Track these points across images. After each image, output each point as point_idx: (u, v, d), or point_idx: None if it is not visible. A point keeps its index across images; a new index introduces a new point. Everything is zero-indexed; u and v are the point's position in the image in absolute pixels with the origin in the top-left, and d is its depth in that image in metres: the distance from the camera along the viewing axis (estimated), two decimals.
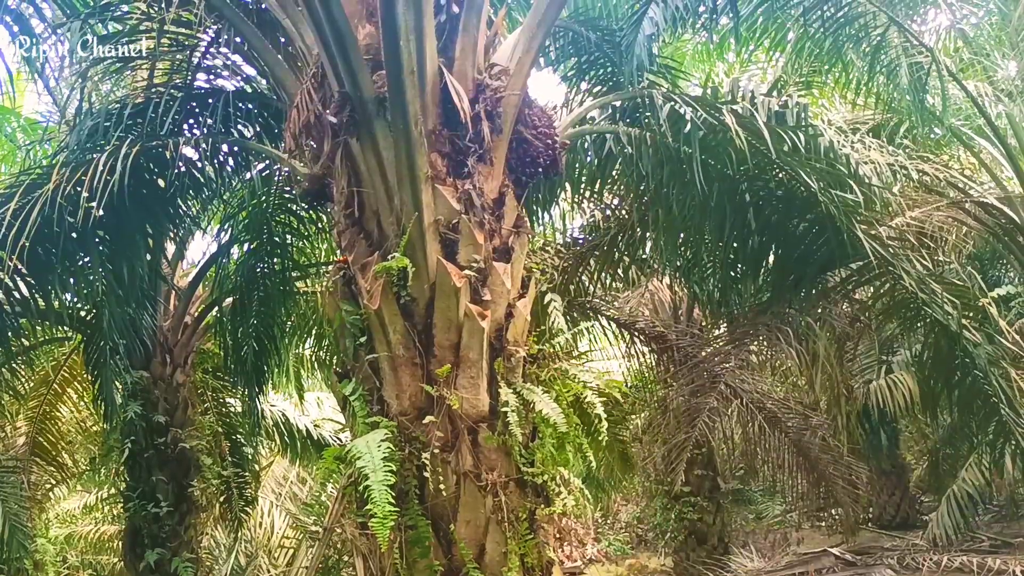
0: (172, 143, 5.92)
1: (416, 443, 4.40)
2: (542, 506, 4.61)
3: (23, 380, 10.66)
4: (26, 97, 11.61)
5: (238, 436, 11.63)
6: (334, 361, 9.37)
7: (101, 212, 6.42)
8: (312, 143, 4.82)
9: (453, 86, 4.59)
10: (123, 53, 6.91)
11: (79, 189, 5.78)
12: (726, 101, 6.59)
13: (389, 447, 4.05)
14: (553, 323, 4.85)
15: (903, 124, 9.32)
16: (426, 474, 4.27)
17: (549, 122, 5.12)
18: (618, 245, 8.27)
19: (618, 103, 6.87)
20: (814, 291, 7.56)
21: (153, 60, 7.27)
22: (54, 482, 13.00)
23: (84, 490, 15.74)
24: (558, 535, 4.81)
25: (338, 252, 5.12)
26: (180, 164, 6.27)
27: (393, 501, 3.82)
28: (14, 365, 10.25)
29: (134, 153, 5.74)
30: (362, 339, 4.61)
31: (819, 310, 7.33)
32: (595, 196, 8.50)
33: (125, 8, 6.85)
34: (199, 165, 6.48)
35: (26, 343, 9.45)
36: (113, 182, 5.61)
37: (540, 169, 5.08)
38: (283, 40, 5.69)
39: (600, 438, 4.68)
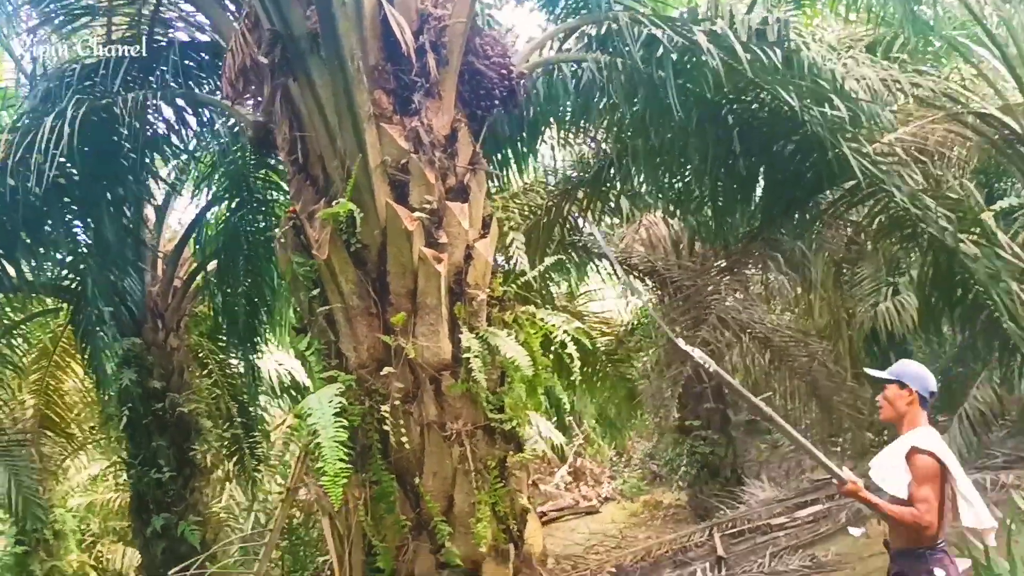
0: (122, 100, 5.69)
1: (376, 396, 4.23)
2: (512, 453, 4.43)
3: (20, 354, 10.61)
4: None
5: (244, 397, 11.59)
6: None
7: (62, 179, 6.30)
8: (253, 88, 4.57)
9: (393, 17, 4.32)
10: (74, 9, 6.69)
11: (30, 155, 5.59)
12: (704, 19, 6.27)
13: (341, 402, 3.88)
14: (515, 263, 4.62)
15: (898, 39, 8.91)
16: (386, 427, 4.09)
17: (503, 51, 4.86)
18: (604, 180, 7.99)
19: (593, 31, 6.56)
20: (807, 215, 7.29)
21: (109, 16, 7.03)
22: (65, 453, 13.02)
23: (103, 458, 15.79)
24: (532, 482, 4.63)
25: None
26: (136, 123, 6.05)
27: (345, 458, 3.65)
28: (11, 339, 10.24)
29: (81, 114, 5.53)
30: (315, 291, 4.42)
31: (812, 234, 7.03)
32: (580, 130, 8.23)
33: None
34: (154, 123, 6.22)
35: (14, 317, 9.38)
36: (62, 146, 5.40)
37: (496, 101, 4.82)
38: None
39: (574, 379, 4.47)
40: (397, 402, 4.19)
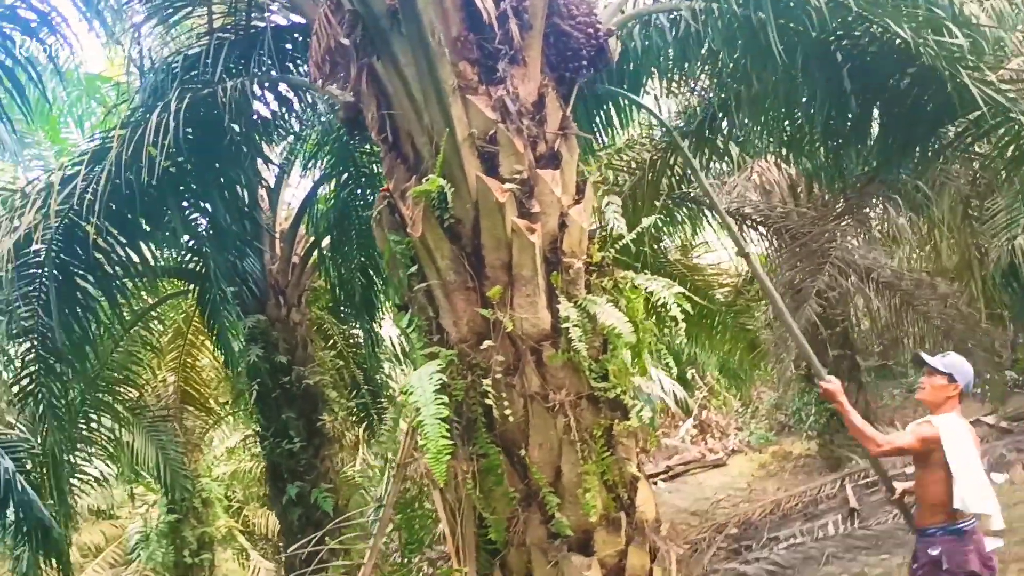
0: (222, 88, 5.82)
1: (478, 369, 4.23)
2: (618, 421, 4.36)
3: (157, 335, 11.18)
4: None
5: (368, 365, 11.89)
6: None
7: (173, 168, 6.52)
8: (340, 69, 4.58)
9: None
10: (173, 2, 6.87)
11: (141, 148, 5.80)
12: None
13: (442, 378, 3.89)
14: (612, 228, 4.51)
15: None
16: (487, 401, 4.09)
17: (589, 9, 4.71)
18: (710, 128, 7.73)
19: None
20: (929, 152, 6.88)
21: (208, 4, 7.18)
22: (206, 427, 13.70)
23: (243, 429, 16.55)
24: (641, 449, 4.56)
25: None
26: (238, 109, 6.16)
27: (447, 435, 3.67)
28: (148, 322, 10.80)
29: (185, 105, 5.71)
30: (413, 268, 4.44)
31: (936, 171, 6.63)
32: (682, 80, 7.97)
33: None
34: (256, 107, 6.34)
35: (148, 300, 9.87)
36: (169, 138, 5.59)
37: (584, 62, 4.69)
38: None
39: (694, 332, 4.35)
40: (499, 375, 4.18)
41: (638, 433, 4.52)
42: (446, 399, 3.80)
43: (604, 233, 4.59)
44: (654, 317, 4.66)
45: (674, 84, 8.07)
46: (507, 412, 4.15)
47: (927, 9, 5.64)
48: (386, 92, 4.42)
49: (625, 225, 4.53)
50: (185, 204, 7.06)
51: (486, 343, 4.18)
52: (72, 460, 9.64)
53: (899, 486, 4.98)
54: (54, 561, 7.83)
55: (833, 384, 4.73)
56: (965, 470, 4.30)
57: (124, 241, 6.75)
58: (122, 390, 10.54)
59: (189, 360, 12.28)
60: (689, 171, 9.17)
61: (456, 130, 4.21)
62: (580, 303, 4.26)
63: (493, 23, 4.27)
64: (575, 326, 4.14)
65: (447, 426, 3.70)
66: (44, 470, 8.08)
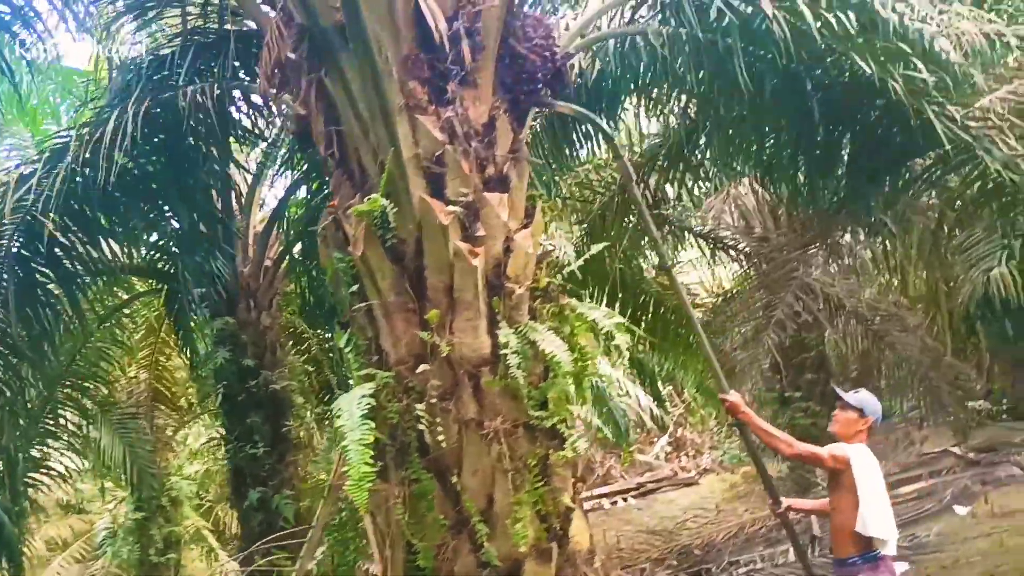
0: (181, 93, 5.77)
1: (414, 393, 4.18)
2: (554, 451, 4.31)
3: (128, 333, 11.11)
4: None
5: (343, 371, 11.80)
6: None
7: (135, 170, 6.48)
8: (290, 82, 4.54)
9: (425, 3, 4.20)
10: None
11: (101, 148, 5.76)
12: None
13: (371, 402, 3.84)
14: (560, 253, 4.47)
15: None
16: (420, 426, 4.04)
17: (547, 32, 4.66)
18: (682, 150, 7.70)
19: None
20: (900, 183, 6.85)
21: (183, 6, 7.13)
22: (176, 425, 13.61)
23: (213, 429, 16.44)
24: (577, 479, 4.50)
25: None
26: (201, 114, 6.12)
27: (371, 462, 3.62)
28: (120, 319, 10.73)
29: (145, 108, 5.66)
30: (354, 287, 4.39)
31: (903, 203, 6.60)
32: (658, 101, 7.94)
33: None
34: (217, 111, 6.27)
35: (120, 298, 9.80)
36: (127, 140, 5.55)
37: (539, 85, 4.65)
38: None
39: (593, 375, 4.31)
40: (434, 400, 4.13)
41: (577, 463, 4.47)
42: (373, 424, 3.74)
43: (550, 259, 4.54)
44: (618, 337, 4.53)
45: (651, 104, 8.07)
46: (440, 438, 4.09)
47: (895, 44, 5.62)
48: (334, 107, 4.37)
49: (586, 247, 4.50)
50: (148, 205, 7.01)
51: (423, 367, 4.12)
52: (38, 454, 9.61)
53: (785, 501, 5.28)
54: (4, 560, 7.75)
55: (734, 397, 4.99)
56: (872, 495, 4.53)
57: (85, 239, 6.69)
58: (91, 386, 10.47)
59: (161, 358, 12.21)
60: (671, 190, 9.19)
61: (402, 149, 4.15)
62: (521, 329, 4.21)
63: (445, 43, 4.23)
64: (514, 353, 4.09)
65: (371, 452, 3.64)
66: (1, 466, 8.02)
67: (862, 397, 4.85)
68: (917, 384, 8.24)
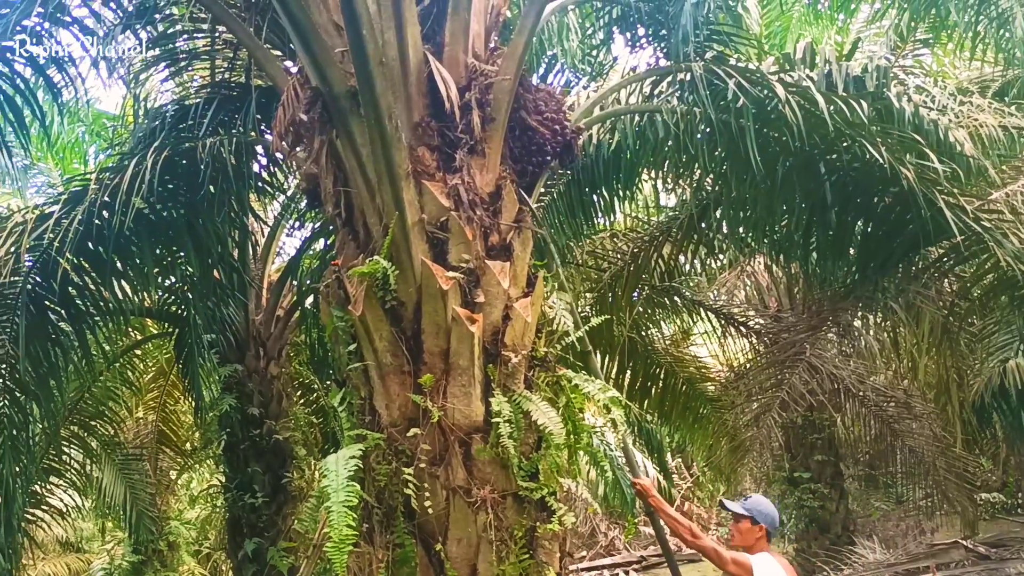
0: (201, 145, 5.89)
1: (404, 456, 4.16)
2: (541, 524, 4.26)
3: (138, 374, 11.16)
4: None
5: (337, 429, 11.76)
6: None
7: (151, 215, 6.58)
8: (304, 142, 4.62)
9: (439, 73, 4.29)
10: (173, 52, 7.00)
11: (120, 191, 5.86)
12: (782, 69, 6.01)
13: (358, 464, 3.83)
14: (559, 323, 4.47)
15: None
16: (407, 490, 4.02)
17: (558, 106, 4.74)
18: (693, 226, 7.73)
19: (686, 76, 6.35)
20: (912, 271, 6.83)
21: (212, 59, 7.31)
22: (180, 469, 13.58)
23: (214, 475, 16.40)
24: (563, 552, 4.44)
25: None
26: (219, 164, 6.22)
27: (353, 524, 3.60)
28: (132, 359, 10.81)
29: (164, 157, 5.77)
30: (352, 346, 4.40)
31: (911, 292, 6.57)
32: (676, 174, 8.00)
33: (174, 12, 6.88)
34: (236, 162, 6.37)
35: (131, 339, 9.89)
36: (143, 187, 5.64)
37: (548, 157, 4.71)
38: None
39: (587, 447, 4.29)
40: (423, 464, 4.11)
41: (565, 537, 4.42)
42: (358, 486, 3.73)
43: (550, 328, 4.54)
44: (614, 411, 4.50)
45: (667, 177, 8.13)
46: (427, 503, 4.07)
47: (908, 134, 5.66)
48: (343, 169, 4.44)
49: (592, 317, 4.50)
50: (163, 250, 7.10)
51: (413, 430, 4.12)
52: (39, 491, 9.61)
53: (645, 478, 5.15)
54: None
55: (645, 481, 4.96)
56: None
57: (98, 279, 6.77)
58: (97, 425, 10.51)
59: (169, 401, 12.23)
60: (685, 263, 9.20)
61: (407, 214, 4.20)
62: (514, 398, 4.21)
63: (456, 112, 4.30)
64: (506, 421, 4.08)
65: (354, 514, 3.62)
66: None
67: (751, 504, 4.77)
68: (924, 474, 8.12)
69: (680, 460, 15.76)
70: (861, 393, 7.98)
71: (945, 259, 6.52)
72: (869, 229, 6.41)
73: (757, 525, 4.66)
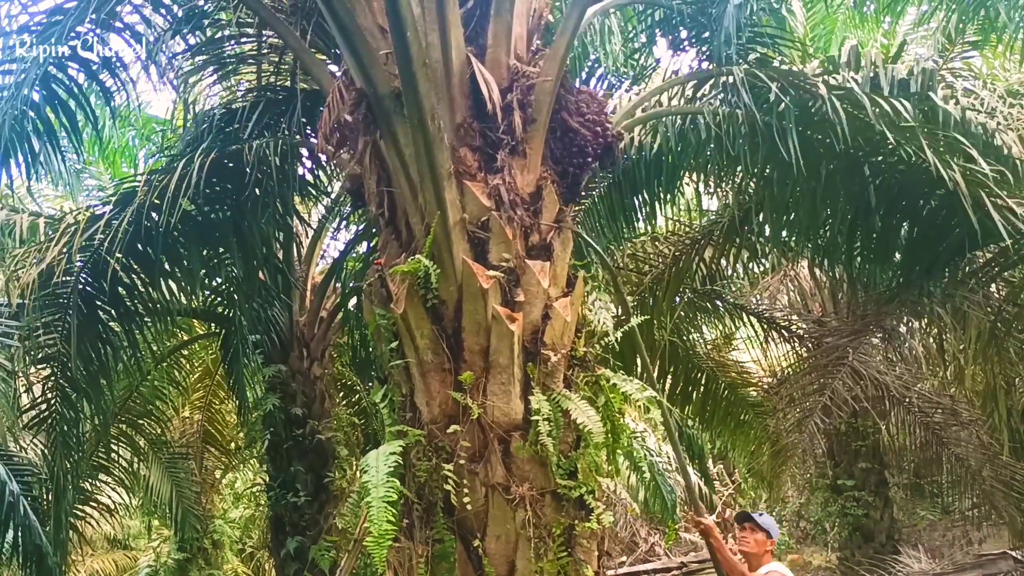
0: (247, 148, 5.99)
1: (444, 453, 4.21)
2: (579, 522, 4.28)
3: (185, 373, 11.36)
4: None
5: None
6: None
7: (199, 216, 6.71)
8: (348, 143, 4.69)
9: (481, 75, 4.34)
10: (220, 56, 7.13)
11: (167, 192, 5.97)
12: (827, 72, 5.97)
13: (398, 460, 3.88)
14: (599, 323, 4.49)
15: None
16: (446, 487, 4.06)
17: (600, 108, 4.76)
18: (734, 230, 7.68)
19: (728, 80, 6.34)
20: (959, 276, 6.73)
21: (258, 63, 7.43)
22: (225, 468, 13.78)
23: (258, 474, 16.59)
24: (601, 551, 4.45)
25: None
26: (264, 166, 6.32)
27: (393, 520, 3.65)
28: (179, 359, 11.01)
29: (211, 159, 5.88)
30: (394, 344, 4.46)
31: (957, 298, 6.48)
32: (718, 177, 7.97)
33: (222, 17, 7.01)
34: (281, 165, 6.47)
35: (178, 338, 10.08)
36: (191, 187, 5.76)
37: (589, 159, 4.73)
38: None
39: (626, 447, 4.29)
40: (463, 461, 4.15)
41: (603, 536, 4.43)
42: (398, 482, 3.78)
43: (589, 328, 4.56)
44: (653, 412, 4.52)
45: (709, 180, 8.10)
46: (466, 500, 4.11)
47: (954, 136, 5.59)
48: (387, 169, 4.51)
49: (630, 318, 4.52)
50: (209, 251, 7.23)
51: (453, 427, 4.16)
52: (87, 487, 9.80)
53: (709, 518, 5.49)
54: None
55: (709, 520, 5.38)
56: None
57: (147, 280, 6.91)
58: (145, 424, 10.71)
59: (215, 401, 12.42)
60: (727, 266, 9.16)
61: (448, 213, 4.25)
62: (554, 397, 4.23)
63: (498, 113, 4.34)
64: (545, 420, 4.10)
65: (394, 510, 3.67)
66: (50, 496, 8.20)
67: (766, 520, 5.25)
68: (970, 482, 7.99)
69: (722, 466, 15.63)
70: (907, 399, 7.88)
71: (993, 263, 6.42)
72: (915, 232, 6.32)
73: (770, 539, 5.16)
